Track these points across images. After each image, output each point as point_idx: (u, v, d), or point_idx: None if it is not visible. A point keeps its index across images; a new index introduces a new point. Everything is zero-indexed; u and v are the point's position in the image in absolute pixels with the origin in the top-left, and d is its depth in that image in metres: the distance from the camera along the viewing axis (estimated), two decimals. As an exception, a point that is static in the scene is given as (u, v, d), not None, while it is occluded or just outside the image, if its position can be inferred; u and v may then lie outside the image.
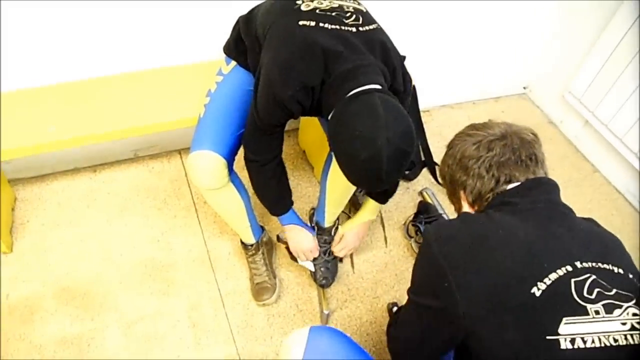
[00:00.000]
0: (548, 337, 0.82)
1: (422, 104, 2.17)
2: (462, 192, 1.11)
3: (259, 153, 1.52)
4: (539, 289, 0.84)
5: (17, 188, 2.07)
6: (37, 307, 1.73)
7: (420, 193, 2.29)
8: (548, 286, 0.84)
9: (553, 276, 0.85)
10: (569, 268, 0.87)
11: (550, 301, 0.84)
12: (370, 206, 1.78)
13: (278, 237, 1.95)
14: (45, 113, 1.72)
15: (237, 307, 1.81)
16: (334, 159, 1.69)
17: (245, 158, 1.54)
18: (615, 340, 0.83)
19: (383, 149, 1.15)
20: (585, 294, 0.85)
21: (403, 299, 1.95)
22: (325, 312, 1.81)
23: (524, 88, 2.99)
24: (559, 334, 0.82)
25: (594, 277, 0.87)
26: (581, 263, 0.89)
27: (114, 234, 1.97)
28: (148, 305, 1.78)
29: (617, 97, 2.30)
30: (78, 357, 1.62)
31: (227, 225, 1.84)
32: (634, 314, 0.86)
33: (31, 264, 1.84)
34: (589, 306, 0.84)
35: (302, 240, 1.78)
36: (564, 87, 2.65)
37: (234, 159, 1.58)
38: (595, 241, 0.97)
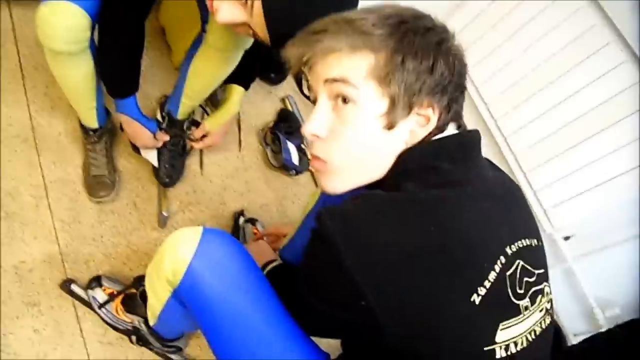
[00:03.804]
0: (486, 348, 0.74)
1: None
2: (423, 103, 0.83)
3: (117, 9, 1.25)
4: (479, 295, 0.73)
5: None
6: None
7: (282, 100, 2.16)
8: (488, 289, 0.74)
9: (492, 276, 0.75)
10: (503, 259, 0.77)
11: (489, 307, 0.74)
12: (236, 98, 1.66)
13: (121, 127, 1.70)
14: None
15: (64, 199, 1.56)
16: (203, 43, 1.48)
17: (100, 13, 1.24)
18: (535, 333, 0.80)
19: None
20: (517, 289, 0.79)
21: (251, 209, 1.88)
22: (164, 213, 1.66)
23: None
24: (495, 343, 0.75)
25: (521, 263, 0.80)
26: (510, 247, 0.80)
27: None
28: (-52, 185, 1.45)
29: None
30: None
31: (62, 99, 1.53)
32: (547, 293, 0.85)
33: None
34: (520, 303, 0.78)
35: (139, 136, 1.58)
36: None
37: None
38: (513, 208, 0.88)
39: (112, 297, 1.36)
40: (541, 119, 1.94)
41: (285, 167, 1.96)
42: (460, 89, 0.86)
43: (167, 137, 1.65)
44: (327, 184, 0.89)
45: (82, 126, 1.57)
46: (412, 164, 0.84)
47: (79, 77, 1.37)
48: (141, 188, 1.70)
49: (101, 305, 1.36)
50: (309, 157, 0.90)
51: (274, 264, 1.25)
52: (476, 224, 0.77)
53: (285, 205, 1.95)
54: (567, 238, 1.93)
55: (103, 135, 1.59)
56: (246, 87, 1.69)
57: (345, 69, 0.81)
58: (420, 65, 0.80)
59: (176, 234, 0.95)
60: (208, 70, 1.52)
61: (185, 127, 1.71)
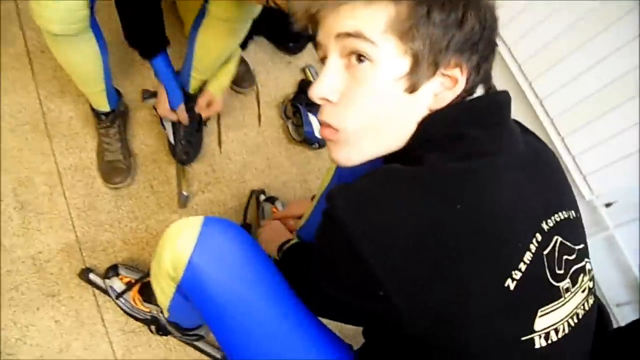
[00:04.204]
0: (523, 338, 0.66)
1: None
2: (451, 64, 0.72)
3: None
4: (513, 280, 0.64)
5: None
6: None
7: (303, 70, 2.06)
8: (523, 273, 0.65)
9: (528, 257, 0.66)
10: (539, 237, 0.68)
11: (526, 292, 0.66)
12: (235, 59, 1.57)
13: (144, 94, 1.62)
14: None
15: (78, 185, 1.52)
16: (207, 15, 1.38)
17: None
18: (578, 316, 0.72)
19: None
20: (556, 269, 0.69)
21: (271, 186, 1.82)
22: (185, 193, 1.60)
23: None
24: (534, 331, 0.66)
25: (560, 239, 0.71)
26: (546, 222, 0.70)
27: None
28: (-39, 177, 1.42)
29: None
30: None
31: (71, 82, 1.46)
32: (589, 271, 0.76)
33: None
34: (560, 285, 0.69)
35: (159, 100, 1.51)
36: None
37: None
38: (548, 176, 0.78)
39: (129, 286, 1.33)
40: (579, 79, 1.79)
41: (308, 141, 1.87)
42: (491, 46, 0.75)
43: (185, 118, 1.56)
44: (339, 155, 0.78)
45: (93, 110, 1.51)
46: (436, 132, 0.73)
47: (83, 60, 1.31)
48: (158, 170, 1.65)
49: (119, 295, 1.33)
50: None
51: (290, 243, 1.18)
52: (508, 198, 0.68)
53: (309, 180, 1.87)
54: (608, 205, 1.81)
55: (116, 119, 1.54)
56: (243, 47, 1.59)
57: (361, 21, 0.69)
58: (448, 17, 0.68)
59: (175, 225, 0.88)
60: (214, 43, 1.42)
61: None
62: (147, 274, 1.33)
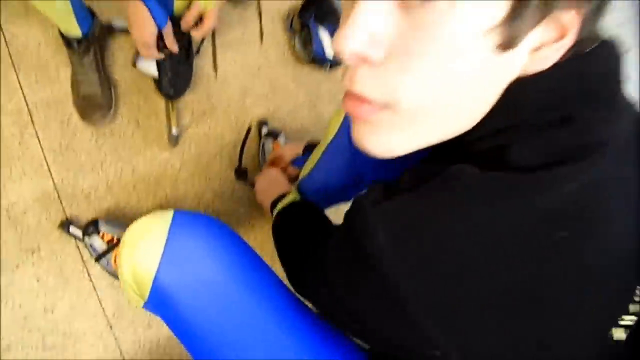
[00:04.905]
0: None
1: None
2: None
3: None
4: (618, 326, 0.46)
5: None
6: None
7: (312, -26, 1.76)
8: (634, 314, 0.46)
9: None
10: None
11: (635, 340, 0.47)
12: None
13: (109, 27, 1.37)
14: None
15: (53, 124, 1.33)
16: None
17: None
18: None
19: None
20: None
21: (276, 114, 1.61)
22: (174, 133, 1.41)
23: None
24: None
25: None
26: None
27: None
28: None
29: None
30: None
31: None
32: None
33: None
34: None
35: (141, 28, 1.18)
36: None
37: None
38: None
39: (110, 246, 1.19)
40: None
41: (318, 61, 1.61)
42: None
43: (174, 44, 1.27)
44: (377, 143, 0.50)
45: (63, 37, 1.27)
46: (530, 110, 0.47)
47: None
48: (144, 101, 1.44)
49: (99, 257, 1.19)
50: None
51: (285, 201, 1.00)
52: (620, 214, 0.46)
53: (319, 106, 1.66)
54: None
55: (90, 46, 1.30)
56: None
57: None
58: None
59: (136, 230, 0.70)
60: None
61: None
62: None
